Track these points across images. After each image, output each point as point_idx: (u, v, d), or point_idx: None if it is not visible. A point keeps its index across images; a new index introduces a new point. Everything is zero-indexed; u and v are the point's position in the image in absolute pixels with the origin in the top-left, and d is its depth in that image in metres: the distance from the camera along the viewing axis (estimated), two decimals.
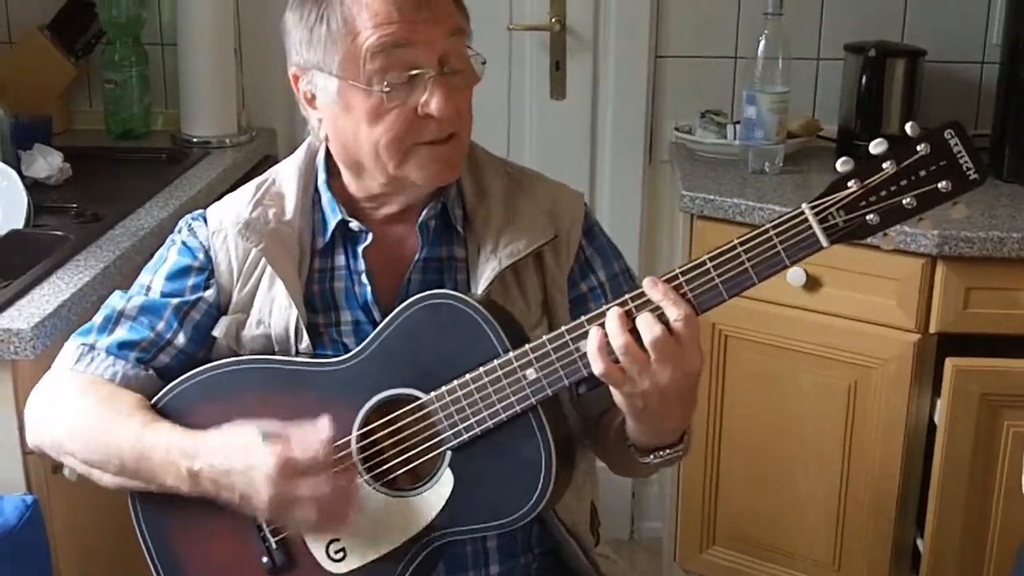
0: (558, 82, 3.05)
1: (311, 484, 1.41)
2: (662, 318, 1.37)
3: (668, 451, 1.51)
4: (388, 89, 1.47)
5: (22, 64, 2.96)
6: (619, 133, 3.06)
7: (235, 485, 1.44)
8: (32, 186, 2.45)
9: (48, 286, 1.99)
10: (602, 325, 1.40)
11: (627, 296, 1.40)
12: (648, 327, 1.36)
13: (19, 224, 2.29)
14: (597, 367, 1.38)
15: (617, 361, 1.38)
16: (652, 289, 1.38)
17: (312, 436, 1.44)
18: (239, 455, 1.44)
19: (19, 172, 2.43)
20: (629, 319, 1.38)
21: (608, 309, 1.40)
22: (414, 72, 1.47)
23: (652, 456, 1.51)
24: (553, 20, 3.00)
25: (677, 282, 1.38)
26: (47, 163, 2.59)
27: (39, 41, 2.96)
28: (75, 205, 2.43)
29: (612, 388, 1.41)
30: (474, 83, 1.55)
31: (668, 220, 3.06)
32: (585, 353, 1.41)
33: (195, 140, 2.94)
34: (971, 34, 2.90)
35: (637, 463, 1.54)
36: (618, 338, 1.37)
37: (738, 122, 2.81)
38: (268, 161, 2.93)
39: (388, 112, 1.49)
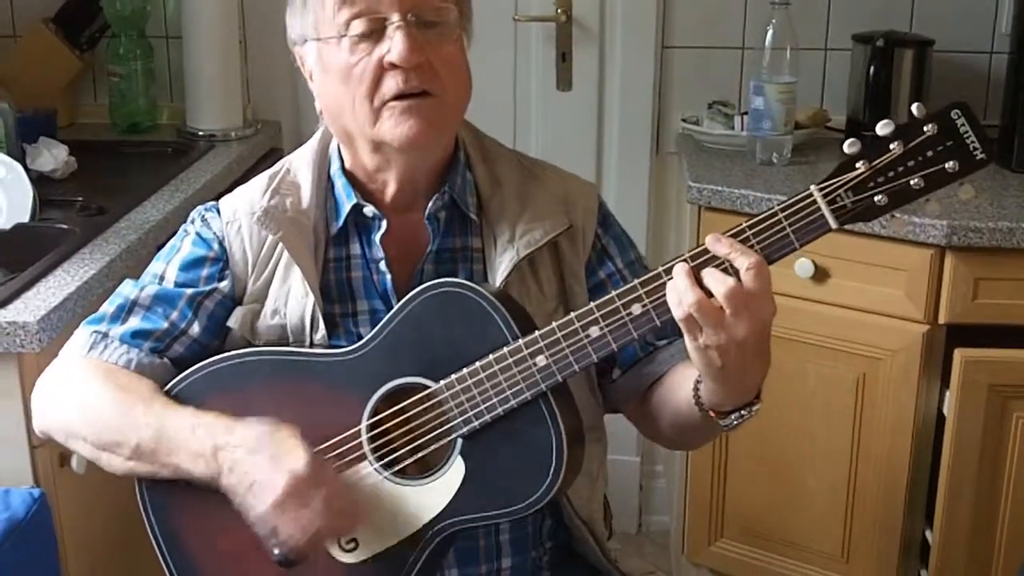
0: (564, 73, 3.05)
1: (325, 499, 1.41)
2: (729, 271, 1.34)
3: (746, 410, 1.47)
4: (355, 36, 1.48)
5: (27, 57, 2.96)
6: (626, 124, 3.05)
7: (254, 469, 1.43)
8: (37, 179, 2.46)
9: (54, 279, 1.99)
10: (641, 300, 1.39)
11: (687, 255, 1.37)
12: (718, 281, 1.34)
13: (25, 217, 2.29)
14: (678, 312, 1.35)
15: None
16: (716, 244, 1.35)
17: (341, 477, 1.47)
18: (273, 443, 1.44)
19: (24, 165, 2.43)
20: (695, 275, 1.35)
21: (632, 287, 1.39)
22: (376, 16, 1.47)
23: (733, 418, 1.47)
24: (559, 11, 2.99)
25: (688, 267, 1.36)
26: (52, 156, 2.59)
27: (44, 34, 2.96)
28: (80, 198, 2.43)
29: (688, 343, 1.38)
30: (453, 36, 1.53)
31: (675, 211, 3.06)
32: (595, 338, 1.41)
33: (200, 133, 2.93)
34: (980, 24, 2.89)
35: (714, 429, 1.51)
36: (689, 293, 1.34)
37: (745, 113, 2.80)
38: (273, 154, 2.94)
39: (356, 66, 1.49)
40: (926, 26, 2.87)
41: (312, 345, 1.57)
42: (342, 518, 1.45)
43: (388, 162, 1.57)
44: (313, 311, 1.56)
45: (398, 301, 1.56)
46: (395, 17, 1.47)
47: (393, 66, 1.47)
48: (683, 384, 1.54)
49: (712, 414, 1.48)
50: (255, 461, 1.44)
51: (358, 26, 1.48)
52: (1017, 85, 2.62)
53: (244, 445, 1.45)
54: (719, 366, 1.38)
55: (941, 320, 2.38)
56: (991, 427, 2.36)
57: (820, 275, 2.47)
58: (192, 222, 1.67)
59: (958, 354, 2.34)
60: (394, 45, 1.47)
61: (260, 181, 1.65)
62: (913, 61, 2.73)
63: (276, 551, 1.50)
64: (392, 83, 1.49)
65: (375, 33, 1.48)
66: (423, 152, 1.56)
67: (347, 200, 1.60)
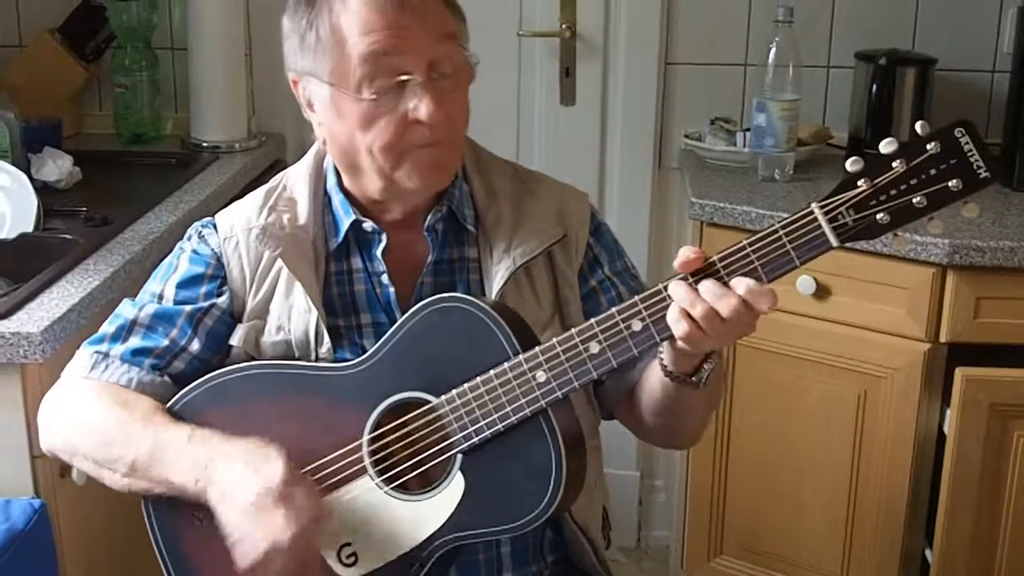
0: (568, 88, 3.05)
1: (295, 512, 1.41)
2: (732, 289, 1.35)
3: (713, 356, 1.47)
4: (375, 96, 1.47)
5: (33, 67, 2.97)
6: (628, 139, 3.06)
7: (232, 479, 1.44)
8: (42, 189, 2.46)
9: (57, 290, 1.99)
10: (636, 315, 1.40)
11: (685, 275, 1.38)
12: (724, 302, 1.35)
13: (29, 227, 2.29)
14: (679, 330, 1.36)
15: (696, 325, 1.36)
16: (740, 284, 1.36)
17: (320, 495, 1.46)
18: (254, 456, 1.45)
19: (29, 175, 2.43)
20: (694, 289, 1.36)
21: (631, 304, 1.40)
22: (402, 78, 1.47)
23: (703, 371, 1.47)
24: (563, 26, 3.00)
25: (688, 284, 1.37)
26: (57, 166, 2.60)
27: (50, 45, 2.96)
28: (85, 209, 2.44)
29: (684, 346, 1.39)
30: (467, 82, 1.54)
31: (677, 227, 3.06)
32: (595, 354, 1.41)
33: (205, 145, 2.94)
34: (982, 43, 2.90)
35: (691, 394, 1.50)
36: (697, 307, 1.35)
37: (748, 129, 2.80)
38: (277, 166, 2.94)
39: (379, 118, 1.49)
40: (928, 45, 2.87)
41: (317, 359, 1.57)
42: (304, 542, 1.42)
43: (395, 196, 1.58)
44: (317, 325, 1.57)
45: (401, 313, 1.57)
46: (419, 75, 1.48)
47: (418, 121, 1.48)
48: (652, 369, 1.54)
49: (683, 378, 1.48)
50: (234, 471, 1.45)
51: (383, 85, 1.47)
52: (1019, 104, 2.63)
53: (227, 458, 1.46)
54: (701, 352, 1.43)
55: (942, 339, 2.38)
56: (991, 446, 2.36)
57: (822, 292, 2.47)
58: (188, 239, 1.67)
59: (959, 373, 2.34)
60: (422, 105, 1.47)
61: (256, 197, 1.66)
62: (915, 79, 2.74)
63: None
64: (416, 136, 1.50)
65: (397, 86, 1.48)
66: (435, 190, 1.59)
67: (345, 217, 1.61)
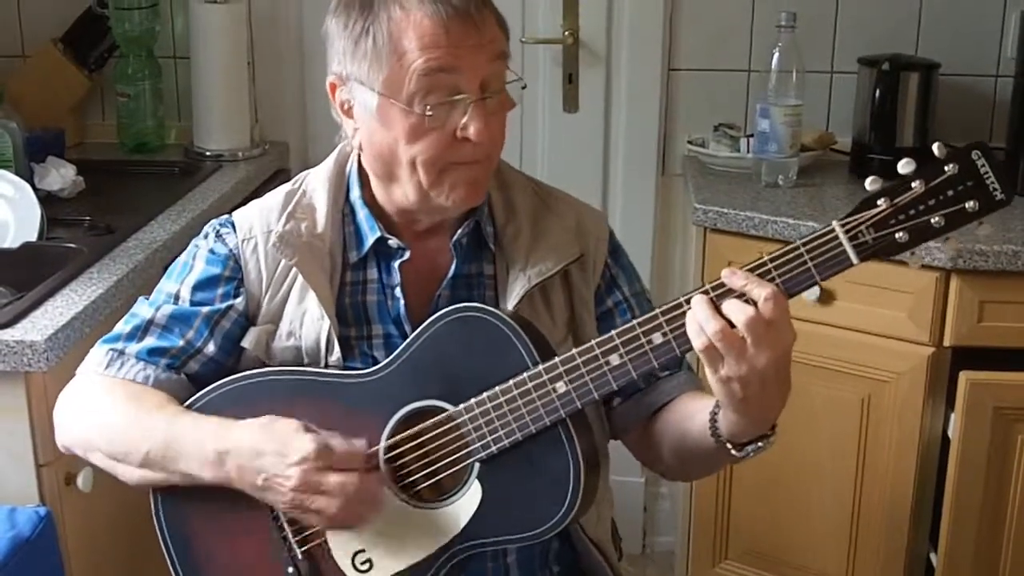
0: (571, 95, 3.06)
1: (340, 477, 1.42)
2: (748, 303, 1.35)
3: (762, 442, 1.48)
4: (430, 113, 1.47)
5: (35, 77, 2.97)
6: (632, 146, 3.06)
7: (263, 468, 1.44)
8: (45, 199, 2.46)
9: (61, 298, 1.99)
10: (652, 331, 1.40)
11: (707, 287, 1.38)
12: (738, 310, 1.34)
13: (32, 237, 2.29)
14: (699, 342, 1.36)
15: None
16: (732, 277, 1.37)
17: (350, 442, 1.45)
18: (274, 438, 1.45)
19: (32, 185, 2.43)
20: (715, 305, 1.36)
21: (656, 313, 1.40)
22: (456, 97, 1.47)
23: (749, 449, 1.49)
24: (566, 33, 3.00)
25: (708, 297, 1.37)
26: (60, 176, 2.60)
27: (52, 54, 2.97)
28: (88, 218, 2.44)
29: (709, 375, 1.38)
30: (510, 108, 1.54)
31: (681, 233, 3.06)
32: (615, 366, 1.42)
33: (208, 153, 2.94)
34: (985, 48, 2.90)
35: (725, 460, 1.51)
36: (711, 323, 1.35)
37: (751, 135, 2.80)
38: (281, 174, 2.94)
39: (427, 133, 1.49)
40: (932, 50, 2.87)
41: (327, 367, 1.57)
42: (361, 499, 1.44)
43: (426, 209, 1.58)
44: (329, 334, 1.57)
45: (411, 326, 1.57)
46: (472, 94, 1.48)
47: (466, 139, 1.49)
48: (695, 415, 1.54)
49: (728, 445, 1.48)
50: (262, 460, 1.45)
51: (437, 101, 1.47)
52: (1022, 109, 2.62)
53: (247, 448, 1.46)
54: (741, 397, 1.38)
55: (946, 343, 2.38)
56: (996, 449, 2.36)
57: (826, 297, 2.47)
58: (205, 237, 1.66)
59: (963, 377, 2.34)
60: (472, 124, 1.48)
61: (276, 199, 1.65)
62: (919, 84, 2.73)
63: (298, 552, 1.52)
64: (463, 153, 1.50)
65: (449, 103, 1.48)
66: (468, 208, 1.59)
67: (370, 232, 1.60)
